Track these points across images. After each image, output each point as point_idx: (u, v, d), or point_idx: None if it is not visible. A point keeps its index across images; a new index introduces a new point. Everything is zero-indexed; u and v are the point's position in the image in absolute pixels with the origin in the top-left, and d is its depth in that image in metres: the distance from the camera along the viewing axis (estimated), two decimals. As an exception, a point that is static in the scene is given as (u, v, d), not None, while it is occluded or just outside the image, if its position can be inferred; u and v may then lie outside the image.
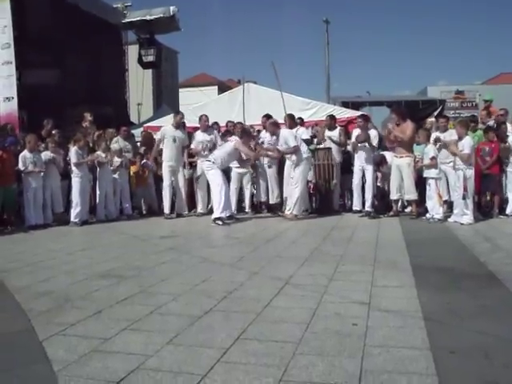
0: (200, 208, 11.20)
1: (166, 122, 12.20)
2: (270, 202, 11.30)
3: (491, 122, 11.52)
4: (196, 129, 11.69)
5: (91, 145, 11.44)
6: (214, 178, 9.84)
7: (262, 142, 11.07)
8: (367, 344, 3.23)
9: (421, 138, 9.76)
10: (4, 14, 14.18)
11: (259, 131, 11.88)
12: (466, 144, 8.87)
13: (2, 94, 14.21)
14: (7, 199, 9.89)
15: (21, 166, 9.84)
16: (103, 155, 10.79)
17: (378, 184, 10.96)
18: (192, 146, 11.27)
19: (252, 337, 3.42)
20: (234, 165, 10.88)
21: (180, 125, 11.33)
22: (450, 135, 9.50)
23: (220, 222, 9.45)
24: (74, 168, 10.30)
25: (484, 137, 10.08)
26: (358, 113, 13.46)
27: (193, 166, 11.59)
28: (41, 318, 3.97)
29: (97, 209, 10.85)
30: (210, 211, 10.60)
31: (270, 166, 11.17)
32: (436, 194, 9.27)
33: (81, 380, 2.82)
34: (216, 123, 12.04)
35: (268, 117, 11.27)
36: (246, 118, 11.96)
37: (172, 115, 11.93)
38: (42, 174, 10.09)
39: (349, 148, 11.20)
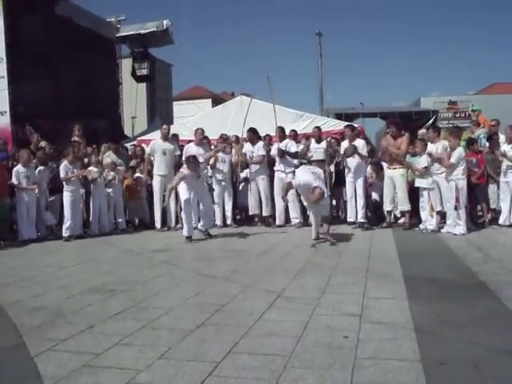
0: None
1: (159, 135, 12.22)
2: (264, 214, 11.33)
3: (481, 132, 11.62)
4: (190, 142, 11.70)
5: (85, 159, 11.44)
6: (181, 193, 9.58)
7: (251, 157, 11.26)
8: (358, 356, 3.24)
9: (419, 148, 9.79)
10: (-4, 29, 14.23)
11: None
12: (455, 154, 8.93)
13: (-5, 109, 14.23)
14: (0, 214, 9.88)
15: (14, 181, 9.85)
16: (95, 170, 10.79)
17: (374, 197, 10.92)
18: (184, 159, 11.28)
19: (243, 350, 3.43)
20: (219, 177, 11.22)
21: (167, 137, 11.33)
22: (443, 146, 9.54)
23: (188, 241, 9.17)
24: (64, 182, 10.31)
25: (468, 148, 10.12)
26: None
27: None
28: (33, 334, 3.96)
29: (91, 223, 10.84)
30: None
31: (263, 179, 11.22)
32: (428, 205, 9.32)
33: (71, 396, 2.82)
34: (206, 137, 12.05)
35: (253, 131, 11.38)
36: (243, 130, 11.93)
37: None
38: (37, 190, 10.08)
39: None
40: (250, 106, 11.85)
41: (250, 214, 11.57)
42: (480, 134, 11.51)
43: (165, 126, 11.60)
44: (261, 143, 11.45)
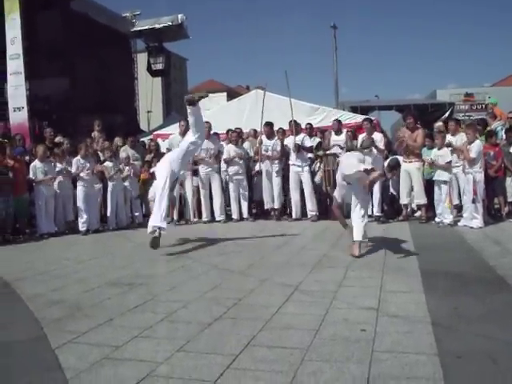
0: (205, 216, 11.28)
1: (176, 130, 12.25)
2: (275, 206, 11.40)
3: (498, 124, 11.52)
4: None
5: (101, 155, 11.51)
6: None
7: (266, 150, 11.24)
8: (375, 350, 3.26)
9: (439, 140, 9.74)
10: (13, 26, 14.35)
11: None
12: (474, 148, 8.91)
13: (12, 105, 14.36)
14: (20, 208, 10.01)
15: (31, 176, 9.95)
16: (111, 165, 10.87)
17: (391, 190, 10.93)
18: (195, 154, 11.33)
19: (261, 343, 3.46)
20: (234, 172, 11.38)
21: (185, 133, 11.36)
22: (461, 139, 9.49)
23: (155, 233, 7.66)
24: (77, 177, 10.42)
25: (486, 141, 10.07)
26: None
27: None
28: (53, 326, 4.03)
29: (108, 217, 10.93)
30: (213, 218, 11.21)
31: (277, 175, 11.26)
32: (447, 198, 9.26)
33: (93, 387, 2.87)
34: (216, 133, 12.09)
35: (270, 125, 11.39)
36: (260, 123, 11.92)
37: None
38: (55, 182, 10.18)
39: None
40: (264, 99, 11.87)
41: (266, 208, 11.60)
42: (497, 127, 11.42)
43: (182, 123, 11.61)
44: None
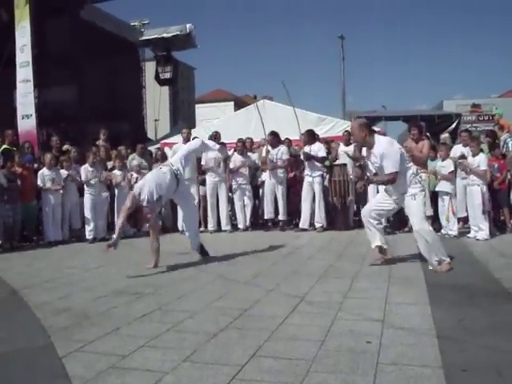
0: (211, 226, 11.30)
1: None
2: (280, 218, 11.45)
3: (507, 136, 11.52)
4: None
5: (109, 164, 11.57)
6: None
7: (272, 160, 11.31)
8: (380, 361, 3.27)
9: (443, 152, 9.78)
10: (23, 34, 14.46)
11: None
12: (482, 161, 8.98)
13: (21, 112, 14.45)
14: (27, 216, 10.09)
15: (39, 183, 10.03)
16: (119, 173, 10.94)
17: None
18: (203, 163, 11.40)
19: (267, 354, 3.48)
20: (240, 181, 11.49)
21: (188, 140, 11.37)
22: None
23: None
24: (84, 185, 10.49)
25: (491, 154, 10.11)
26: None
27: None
28: (60, 335, 4.05)
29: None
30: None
31: (280, 183, 11.31)
32: (448, 211, 9.28)
33: (100, 396, 2.90)
34: (223, 143, 12.13)
35: (274, 134, 11.44)
36: (265, 133, 11.98)
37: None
38: (61, 191, 10.25)
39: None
40: (260, 110, 12.04)
41: (266, 218, 11.64)
42: (506, 139, 11.41)
43: (184, 130, 11.70)
44: (283, 147, 11.51)
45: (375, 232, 6.81)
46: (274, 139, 11.38)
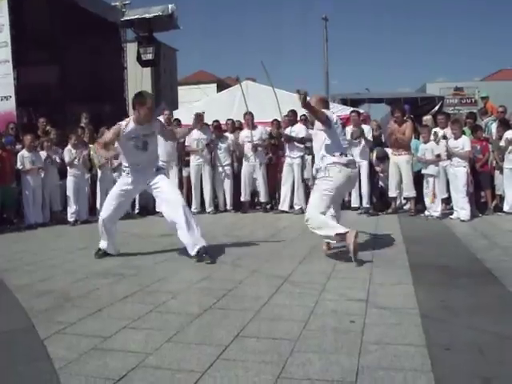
0: (194, 207, 11.25)
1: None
2: (262, 200, 11.51)
3: (490, 119, 11.57)
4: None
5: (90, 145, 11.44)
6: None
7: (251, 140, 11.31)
8: (364, 341, 3.27)
9: (425, 135, 9.81)
10: (1, 13, 14.20)
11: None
12: (466, 142, 9.06)
13: (0, 93, 14.22)
14: (7, 198, 9.95)
15: (19, 165, 9.89)
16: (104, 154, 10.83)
17: (380, 183, 11.01)
18: (186, 144, 11.33)
19: (251, 334, 3.46)
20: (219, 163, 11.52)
21: (170, 122, 11.22)
22: (450, 133, 9.55)
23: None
24: (67, 167, 10.38)
25: (473, 135, 10.16)
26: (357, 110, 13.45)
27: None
28: (41, 317, 4.00)
29: (97, 209, 10.88)
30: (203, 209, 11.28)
31: (260, 165, 11.31)
32: (431, 192, 9.34)
33: (82, 378, 2.86)
34: (217, 121, 12.04)
35: (249, 114, 11.40)
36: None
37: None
38: (42, 173, 10.13)
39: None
40: (243, 91, 11.91)
41: (242, 200, 11.61)
42: (488, 122, 11.47)
43: (166, 112, 11.57)
44: (261, 128, 11.49)
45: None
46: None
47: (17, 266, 6.23)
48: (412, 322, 3.61)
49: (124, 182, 6.56)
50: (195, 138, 11.14)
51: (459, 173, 9.05)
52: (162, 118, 11.43)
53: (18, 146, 10.59)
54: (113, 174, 10.99)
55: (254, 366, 2.95)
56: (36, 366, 3.09)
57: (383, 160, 10.87)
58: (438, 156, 9.37)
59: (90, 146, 11.32)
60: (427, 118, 12.28)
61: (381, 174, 11.01)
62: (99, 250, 6.63)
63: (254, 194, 11.92)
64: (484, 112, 12.45)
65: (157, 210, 10.88)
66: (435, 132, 9.84)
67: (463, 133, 9.69)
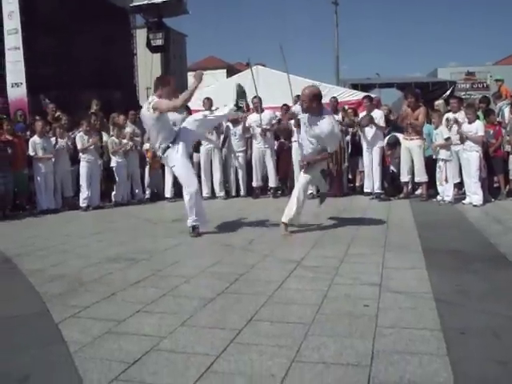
0: (205, 192, 11.25)
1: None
2: (271, 185, 11.48)
3: (504, 103, 11.43)
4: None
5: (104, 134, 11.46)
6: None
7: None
8: (378, 325, 3.26)
9: (436, 119, 9.74)
10: (11, 0, 14.16)
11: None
12: (480, 127, 8.96)
13: (11, 80, 14.23)
14: (19, 184, 9.99)
15: (31, 152, 9.92)
16: (116, 141, 10.86)
17: (392, 168, 10.94)
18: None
19: (264, 318, 3.46)
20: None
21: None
22: (463, 117, 9.46)
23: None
24: (80, 153, 10.40)
25: (486, 120, 10.04)
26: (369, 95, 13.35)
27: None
28: (55, 301, 4.02)
29: (113, 193, 10.94)
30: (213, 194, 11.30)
31: (270, 150, 11.36)
32: (442, 176, 9.28)
33: (96, 361, 2.87)
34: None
35: (257, 98, 11.33)
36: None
37: None
38: (53, 158, 10.15)
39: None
40: (254, 75, 11.78)
41: (254, 185, 11.59)
42: (502, 106, 11.32)
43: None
44: (269, 112, 11.47)
45: None
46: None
47: (30, 251, 6.26)
48: (426, 306, 3.59)
49: (180, 153, 6.75)
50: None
51: (472, 157, 8.96)
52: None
53: (28, 133, 10.62)
54: (125, 159, 10.99)
55: (268, 349, 2.94)
56: (51, 349, 3.11)
57: (394, 146, 10.79)
58: (448, 139, 9.28)
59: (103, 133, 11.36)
60: (439, 103, 12.17)
61: (390, 159, 10.94)
62: (193, 228, 6.76)
63: (266, 179, 11.88)
64: (498, 96, 12.27)
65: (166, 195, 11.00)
66: (447, 118, 9.73)
67: (477, 117, 9.58)
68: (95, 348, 3.06)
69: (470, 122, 9.10)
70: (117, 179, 10.89)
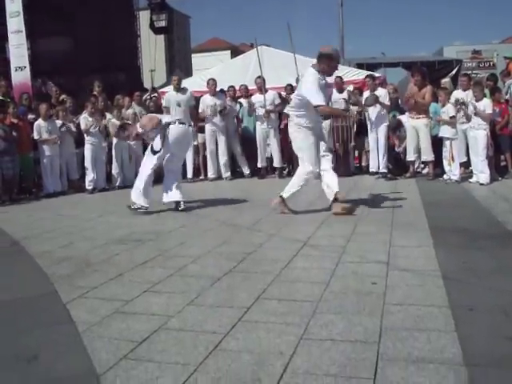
0: (211, 173, 11.24)
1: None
2: (276, 165, 11.46)
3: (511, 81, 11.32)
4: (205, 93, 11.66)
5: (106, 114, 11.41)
6: None
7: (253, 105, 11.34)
8: (386, 302, 3.25)
9: (442, 97, 9.67)
10: (12, -17, 14.06)
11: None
12: (487, 105, 8.89)
13: (14, 64, 14.17)
14: (25, 168, 10.01)
15: (35, 135, 9.92)
16: (117, 123, 10.80)
17: (397, 149, 10.89)
18: (200, 110, 11.25)
19: (272, 296, 3.46)
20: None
21: (179, 88, 11.14)
22: (472, 95, 9.37)
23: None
24: (85, 135, 10.38)
25: (491, 98, 9.94)
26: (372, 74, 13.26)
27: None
28: (63, 282, 4.04)
29: (113, 176, 10.91)
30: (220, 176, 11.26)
31: (274, 130, 11.30)
32: (449, 155, 9.23)
33: (105, 340, 2.88)
34: (232, 87, 11.98)
35: (261, 78, 11.30)
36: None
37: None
38: (58, 141, 10.14)
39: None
40: (260, 56, 11.75)
41: (259, 166, 11.59)
42: (510, 84, 11.20)
43: (174, 77, 11.48)
44: (273, 92, 11.42)
45: None
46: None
47: (37, 233, 6.27)
48: (434, 284, 3.59)
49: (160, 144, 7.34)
50: (209, 104, 11.06)
51: (479, 136, 8.89)
52: (172, 86, 11.40)
53: (31, 116, 10.59)
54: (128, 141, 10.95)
55: (276, 327, 2.95)
56: (59, 329, 3.12)
57: (396, 129, 10.75)
58: (453, 117, 9.21)
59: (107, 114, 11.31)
60: (445, 81, 12.09)
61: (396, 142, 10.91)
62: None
63: (272, 159, 11.86)
64: (507, 74, 12.13)
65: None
66: (457, 99, 9.62)
67: (484, 95, 9.49)
68: (103, 327, 3.07)
69: (477, 100, 9.03)
70: (114, 162, 10.87)
